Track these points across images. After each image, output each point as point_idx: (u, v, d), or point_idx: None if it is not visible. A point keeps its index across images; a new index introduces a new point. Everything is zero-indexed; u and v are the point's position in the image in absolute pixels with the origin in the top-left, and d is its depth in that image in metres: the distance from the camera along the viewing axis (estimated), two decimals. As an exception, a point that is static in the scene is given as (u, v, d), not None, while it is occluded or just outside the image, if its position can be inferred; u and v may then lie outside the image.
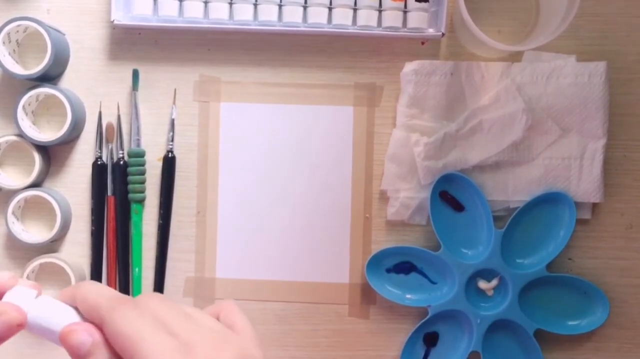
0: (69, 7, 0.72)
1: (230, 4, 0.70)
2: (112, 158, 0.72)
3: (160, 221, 0.72)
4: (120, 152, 0.72)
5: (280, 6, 0.70)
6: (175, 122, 0.72)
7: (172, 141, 0.72)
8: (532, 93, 0.70)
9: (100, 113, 0.72)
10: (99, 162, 0.72)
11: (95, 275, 0.72)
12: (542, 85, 0.70)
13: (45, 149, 0.71)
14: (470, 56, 0.71)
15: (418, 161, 0.69)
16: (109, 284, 0.72)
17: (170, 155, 0.72)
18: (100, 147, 0.72)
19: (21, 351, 0.73)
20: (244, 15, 0.70)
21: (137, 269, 0.72)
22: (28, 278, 0.70)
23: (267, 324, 0.72)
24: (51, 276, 0.72)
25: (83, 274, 0.72)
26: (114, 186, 0.72)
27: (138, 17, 0.70)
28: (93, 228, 0.72)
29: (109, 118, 0.72)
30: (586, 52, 0.70)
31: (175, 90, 0.72)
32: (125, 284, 0.72)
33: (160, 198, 0.72)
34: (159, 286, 0.72)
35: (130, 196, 0.71)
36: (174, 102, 0.72)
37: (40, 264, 0.70)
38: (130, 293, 0.72)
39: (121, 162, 0.71)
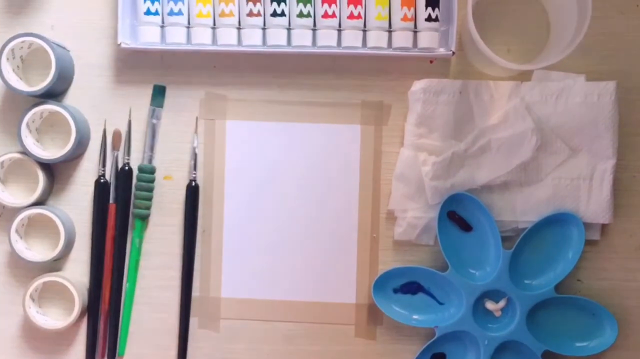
0: (74, 23, 0.72)
1: (239, 29, 0.70)
2: (117, 166, 0.71)
3: (185, 252, 0.71)
4: (127, 158, 0.71)
5: (289, 30, 0.69)
6: (197, 149, 0.71)
7: (195, 169, 0.71)
8: (541, 113, 0.69)
9: (104, 131, 0.71)
10: (102, 181, 0.71)
11: (95, 289, 0.71)
12: (552, 105, 0.69)
13: (49, 167, 0.71)
14: (478, 75, 0.71)
15: (426, 180, 0.69)
16: (103, 296, 0.71)
17: (193, 184, 0.71)
18: (104, 165, 0.71)
19: (21, 351, 0.72)
20: (252, 40, 0.69)
21: (128, 284, 0.71)
22: (31, 297, 0.69)
23: (273, 345, 0.71)
24: (55, 295, 0.71)
25: (86, 293, 0.71)
26: (116, 193, 0.71)
27: (145, 42, 0.70)
28: (93, 246, 0.71)
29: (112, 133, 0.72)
30: (596, 72, 0.70)
31: (197, 118, 0.71)
32: (116, 296, 0.71)
33: (185, 225, 0.71)
34: (185, 309, 0.71)
35: (135, 211, 0.71)
36: (195, 131, 0.71)
37: (44, 283, 0.70)
38: (121, 306, 0.71)
39: (126, 168, 0.71)
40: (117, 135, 0.71)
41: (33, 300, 0.70)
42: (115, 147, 0.71)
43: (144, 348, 0.72)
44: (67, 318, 0.69)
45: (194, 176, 0.71)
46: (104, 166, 0.71)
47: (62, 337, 0.72)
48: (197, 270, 0.72)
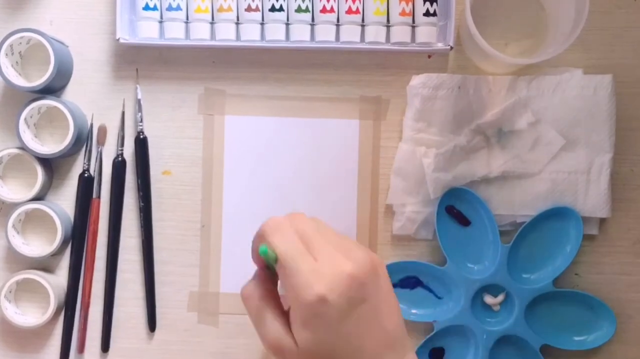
0: (73, 18, 0.72)
1: (237, 24, 0.70)
2: (100, 161, 0.71)
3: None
4: (120, 149, 0.71)
5: (287, 25, 0.70)
6: (142, 102, 0.71)
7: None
8: (538, 106, 0.70)
9: (91, 125, 0.71)
10: (86, 175, 0.71)
11: (72, 284, 0.71)
12: (548, 98, 0.70)
13: (47, 162, 0.71)
14: (476, 70, 0.71)
15: (428, 172, 0.69)
16: (83, 290, 0.71)
17: (141, 136, 0.71)
18: (89, 159, 0.71)
19: (21, 351, 0.72)
20: (250, 35, 0.69)
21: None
22: (7, 297, 0.69)
23: (271, 340, 0.71)
24: (33, 291, 0.71)
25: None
26: (100, 187, 0.71)
27: (144, 37, 0.70)
28: (74, 240, 0.71)
29: (111, 130, 0.72)
30: (594, 66, 0.70)
31: (137, 70, 0.72)
32: (110, 287, 0.71)
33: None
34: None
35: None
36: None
37: (17, 282, 0.70)
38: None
39: (119, 159, 0.71)
40: (102, 130, 0.71)
41: (9, 301, 0.70)
42: (100, 142, 0.71)
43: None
44: (44, 314, 0.69)
45: (121, 150, 0.71)
46: (89, 160, 0.71)
47: (40, 333, 0.72)
48: (196, 265, 0.72)
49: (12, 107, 0.71)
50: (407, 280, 0.71)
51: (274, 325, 0.54)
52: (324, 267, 0.52)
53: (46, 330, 0.72)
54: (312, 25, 0.70)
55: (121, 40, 0.69)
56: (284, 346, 0.54)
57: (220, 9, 0.69)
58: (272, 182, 0.72)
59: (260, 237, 0.55)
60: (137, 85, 0.71)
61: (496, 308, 0.70)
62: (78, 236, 0.71)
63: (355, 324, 0.52)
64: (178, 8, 0.69)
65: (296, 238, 0.54)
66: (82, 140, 0.71)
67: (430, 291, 0.71)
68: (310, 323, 0.52)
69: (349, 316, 0.52)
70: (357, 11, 0.69)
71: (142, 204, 0.71)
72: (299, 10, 0.69)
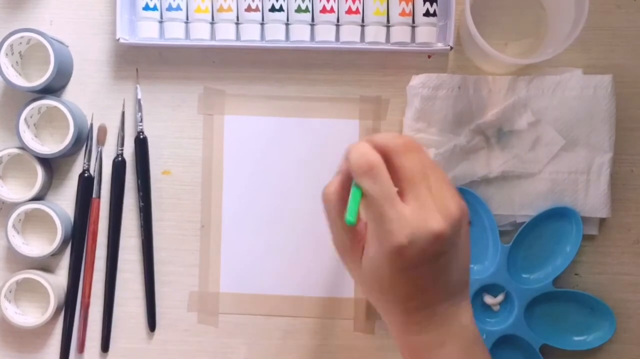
0: (73, 18, 0.72)
1: (237, 24, 0.70)
2: (100, 161, 0.71)
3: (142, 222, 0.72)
4: (120, 149, 0.71)
5: (287, 25, 0.70)
6: (142, 102, 0.71)
7: (142, 121, 0.71)
8: (538, 106, 0.69)
9: (91, 125, 0.72)
10: (86, 175, 0.71)
11: (72, 284, 0.71)
12: (548, 98, 0.70)
13: (47, 162, 0.71)
14: (476, 70, 0.71)
15: (427, 172, 0.69)
16: (83, 290, 0.71)
17: (141, 136, 0.71)
18: (89, 159, 0.71)
19: (21, 351, 0.72)
20: (250, 35, 0.70)
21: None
22: (6, 297, 0.69)
23: (271, 339, 0.71)
24: (33, 291, 0.71)
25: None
26: (99, 187, 0.71)
27: (144, 37, 0.70)
28: (74, 240, 0.71)
29: (111, 130, 0.72)
30: (594, 66, 0.70)
31: (137, 70, 0.72)
32: (110, 287, 0.71)
33: (138, 180, 0.71)
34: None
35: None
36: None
37: (17, 282, 0.70)
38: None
39: (119, 159, 0.71)
40: (102, 130, 0.71)
41: (9, 301, 0.70)
42: (100, 142, 0.71)
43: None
44: (44, 314, 0.69)
45: (120, 150, 0.71)
46: (89, 160, 0.71)
47: (39, 333, 0.72)
48: (196, 265, 0.72)
49: (12, 107, 0.71)
50: (406, 280, 0.71)
51: (343, 235, 0.54)
52: (412, 218, 0.50)
53: (46, 330, 0.72)
54: (312, 25, 0.70)
55: (121, 41, 0.69)
56: (347, 258, 0.55)
57: (220, 9, 0.69)
58: (271, 182, 0.72)
59: (351, 171, 0.53)
60: (137, 85, 0.71)
61: (496, 308, 0.70)
62: (78, 236, 0.71)
63: (422, 274, 0.52)
64: (178, 8, 0.69)
65: (389, 183, 0.51)
66: (82, 140, 0.71)
67: (430, 291, 0.71)
68: (380, 261, 0.51)
69: (417, 268, 0.51)
70: (357, 11, 0.69)
71: (142, 204, 0.71)
72: (298, 10, 0.69)
